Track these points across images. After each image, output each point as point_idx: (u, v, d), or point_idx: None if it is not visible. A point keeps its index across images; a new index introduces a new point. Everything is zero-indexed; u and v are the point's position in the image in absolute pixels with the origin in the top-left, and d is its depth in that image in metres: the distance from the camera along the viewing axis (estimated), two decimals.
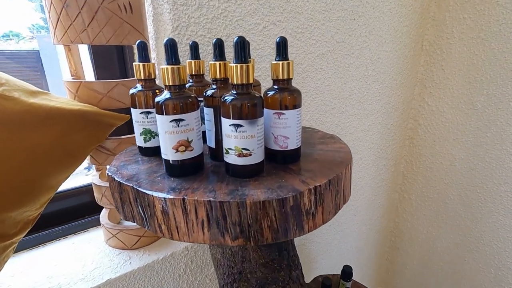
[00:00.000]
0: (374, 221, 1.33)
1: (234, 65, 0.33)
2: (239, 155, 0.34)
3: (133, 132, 0.81)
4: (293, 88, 0.39)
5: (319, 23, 0.83)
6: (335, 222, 1.15)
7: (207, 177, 0.36)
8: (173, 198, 0.31)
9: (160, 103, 0.34)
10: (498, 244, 1.02)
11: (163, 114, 0.34)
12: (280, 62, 0.37)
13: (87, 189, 0.82)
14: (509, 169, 0.95)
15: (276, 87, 0.39)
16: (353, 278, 0.97)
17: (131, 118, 0.60)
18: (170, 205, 0.32)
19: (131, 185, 0.34)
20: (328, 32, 0.86)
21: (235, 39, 0.32)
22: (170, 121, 0.34)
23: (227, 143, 0.34)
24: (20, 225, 0.52)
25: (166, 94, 0.34)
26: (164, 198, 0.32)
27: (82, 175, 0.86)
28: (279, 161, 0.40)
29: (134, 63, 0.40)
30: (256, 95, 0.34)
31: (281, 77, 0.38)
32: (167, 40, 0.32)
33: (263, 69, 0.75)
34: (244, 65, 0.32)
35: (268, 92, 0.39)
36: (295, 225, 0.33)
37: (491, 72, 0.96)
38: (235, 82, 0.33)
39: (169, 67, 0.33)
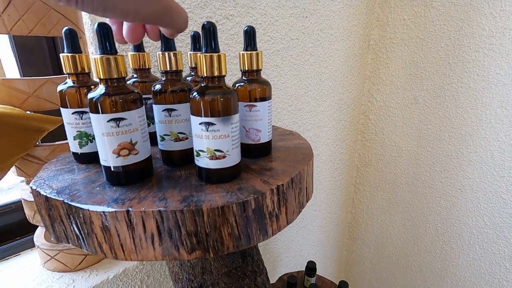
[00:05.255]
0: (333, 214, 1.38)
1: (204, 54, 0.29)
2: (212, 158, 0.30)
3: None
4: (262, 80, 0.37)
5: (272, 19, 0.82)
6: (298, 218, 1.16)
7: (157, 183, 0.32)
8: (115, 211, 0.26)
9: (94, 99, 0.28)
10: (442, 226, 1.12)
11: (98, 113, 0.29)
12: (249, 53, 0.35)
13: (16, 206, 0.71)
14: (447, 157, 1.04)
15: (245, 78, 0.36)
16: (316, 272, 0.98)
17: None
18: (112, 220, 0.27)
19: (61, 199, 0.28)
20: (282, 29, 0.85)
21: (204, 24, 0.28)
22: (108, 121, 0.28)
23: (197, 144, 0.31)
24: None
25: (101, 89, 0.29)
26: (104, 212, 0.26)
27: (19, 189, 0.74)
28: (251, 155, 0.38)
29: (61, 54, 0.34)
30: (230, 89, 0.31)
31: (250, 68, 0.35)
32: (98, 25, 0.27)
33: None
34: (215, 54, 0.29)
35: (237, 84, 0.37)
36: (258, 230, 0.30)
37: (429, 69, 1.04)
38: (205, 75, 0.29)
39: (103, 56, 0.28)
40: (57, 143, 0.54)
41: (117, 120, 0.29)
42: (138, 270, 0.66)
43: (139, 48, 0.41)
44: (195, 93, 0.30)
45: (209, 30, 0.28)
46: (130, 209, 0.27)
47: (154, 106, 0.35)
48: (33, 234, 0.68)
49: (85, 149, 0.37)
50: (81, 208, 0.27)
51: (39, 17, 0.47)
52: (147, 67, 0.42)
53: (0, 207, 0.69)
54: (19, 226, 0.71)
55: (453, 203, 1.06)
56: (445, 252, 1.12)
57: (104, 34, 0.28)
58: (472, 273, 1.08)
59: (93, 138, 0.36)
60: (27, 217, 0.59)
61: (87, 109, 0.35)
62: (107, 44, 0.28)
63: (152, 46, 0.59)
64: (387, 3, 1.13)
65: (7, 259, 0.65)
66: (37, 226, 0.65)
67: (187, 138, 0.35)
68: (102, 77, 0.29)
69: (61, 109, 0.36)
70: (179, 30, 0.27)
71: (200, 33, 0.40)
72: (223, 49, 0.72)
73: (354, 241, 1.52)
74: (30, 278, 0.59)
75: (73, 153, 0.38)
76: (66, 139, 0.58)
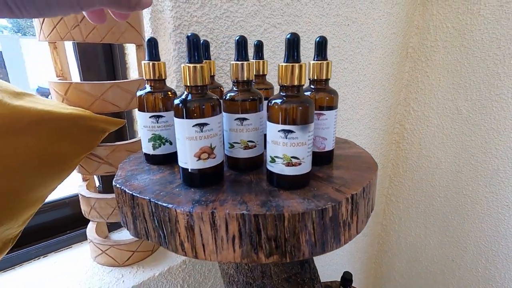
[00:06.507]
0: None
1: (285, 64, 0.30)
2: (288, 164, 0.31)
3: (124, 138, 0.75)
4: (330, 89, 0.37)
5: (316, 27, 0.82)
6: None
7: (230, 187, 0.33)
8: (201, 212, 0.28)
9: (182, 105, 0.30)
10: (485, 244, 1.06)
11: (184, 118, 0.30)
12: (320, 62, 0.35)
13: (69, 201, 0.75)
14: (494, 171, 0.99)
15: (313, 87, 0.37)
16: None
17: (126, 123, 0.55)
18: (197, 220, 0.28)
19: (147, 198, 0.30)
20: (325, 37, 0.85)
21: (288, 35, 0.29)
22: (193, 126, 0.30)
23: (273, 150, 0.31)
24: None
25: (187, 96, 0.31)
26: (190, 212, 0.28)
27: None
28: (316, 163, 0.38)
29: (142, 62, 0.36)
30: (308, 98, 0.32)
31: (319, 77, 0.36)
32: (190, 35, 0.29)
33: None
34: (296, 64, 0.30)
35: (305, 93, 0.38)
36: (332, 238, 0.30)
37: (475, 79, 1.00)
38: (286, 83, 0.30)
39: (191, 65, 0.30)
40: (117, 143, 0.57)
41: (202, 125, 0.30)
42: (181, 269, 0.68)
43: (205, 56, 0.43)
44: (275, 101, 0.31)
45: (293, 41, 0.29)
46: (215, 211, 0.28)
47: (224, 114, 0.36)
48: (83, 228, 0.71)
49: (158, 151, 0.39)
50: (167, 208, 0.29)
51: (110, 26, 0.51)
52: (212, 74, 0.44)
53: (54, 202, 0.73)
54: (70, 220, 0.75)
55: (500, 220, 1.01)
56: (488, 272, 1.06)
57: (194, 44, 0.29)
58: None
59: (166, 141, 0.38)
60: (83, 212, 0.62)
61: (163, 113, 0.37)
62: (196, 53, 0.30)
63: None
64: (428, 11, 1.11)
65: (60, 251, 0.69)
66: (88, 221, 0.68)
67: (255, 146, 0.36)
68: (188, 84, 0.30)
69: (139, 112, 0.38)
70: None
71: (257, 42, 0.42)
72: (268, 56, 0.73)
73: (384, 253, 1.47)
74: (83, 270, 0.62)
75: (145, 154, 0.40)
76: (116, 139, 0.61)
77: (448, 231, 1.16)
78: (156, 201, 0.29)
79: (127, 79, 0.72)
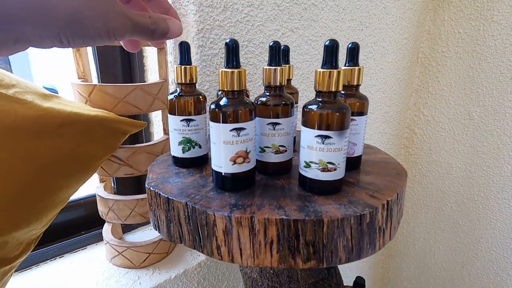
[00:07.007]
0: None
1: (323, 70, 0.30)
2: (323, 170, 0.31)
3: (140, 140, 0.75)
4: (361, 94, 0.37)
5: (331, 32, 0.83)
6: None
7: (263, 191, 0.33)
8: (240, 216, 0.28)
9: (219, 109, 0.30)
10: (497, 250, 1.05)
11: (220, 122, 0.30)
12: (351, 68, 0.36)
13: (84, 202, 0.75)
14: (507, 177, 0.99)
15: (343, 92, 0.37)
16: None
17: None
18: (236, 224, 0.28)
19: (183, 201, 0.30)
20: (339, 41, 0.85)
21: (327, 42, 0.30)
22: (231, 130, 0.30)
23: (308, 155, 0.31)
24: (22, 246, 0.46)
25: (224, 100, 0.31)
26: (229, 216, 0.28)
27: None
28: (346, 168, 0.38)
29: (175, 66, 0.37)
30: (345, 103, 0.32)
31: (351, 83, 0.36)
32: (230, 41, 0.29)
33: None
34: (335, 71, 0.30)
35: None
36: (368, 244, 0.30)
37: (487, 85, 1.00)
38: (323, 89, 0.31)
39: (229, 70, 0.30)
40: (137, 145, 0.58)
41: (239, 129, 0.30)
42: (196, 272, 0.68)
43: None
44: (311, 107, 0.31)
45: (332, 48, 0.30)
46: (254, 215, 0.28)
47: (257, 118, 0.36)
48: (97, 229, 0.71)
49: (187, 154, 0.39)
50: (205, 211, 0.29)
51: None
52: None
53: (68, 203, 0.73)
54: (85, 221, 0.75)
55: None
56: (500, 278, 1.05)
57: (233, 50, 0.30)
58: None
59: (196, 144, 0.38)
60: (100, 214, 0.62)
61: (194, 117, 0.38)
62: (234, 59, 0.30)
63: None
64: (439, 16, 1.11)
65: (76, 252, 0.69)
66: (102, 222, 0.68)
67: (286, 151, 0.36)
68: (226, 89, 0.31)
69: (170, 115, 0.38)
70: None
71: (284, 47, 0.41)
72: None
73: (392, 258, 1.46)
74: (99, 271, 0.62)
75: (174, 157, 0.40)
76: (132, 141, 0.61)
77: (459, 237, 1.16)
78: (193, 205, 0.29)
79: (145, 81, 0.72)
